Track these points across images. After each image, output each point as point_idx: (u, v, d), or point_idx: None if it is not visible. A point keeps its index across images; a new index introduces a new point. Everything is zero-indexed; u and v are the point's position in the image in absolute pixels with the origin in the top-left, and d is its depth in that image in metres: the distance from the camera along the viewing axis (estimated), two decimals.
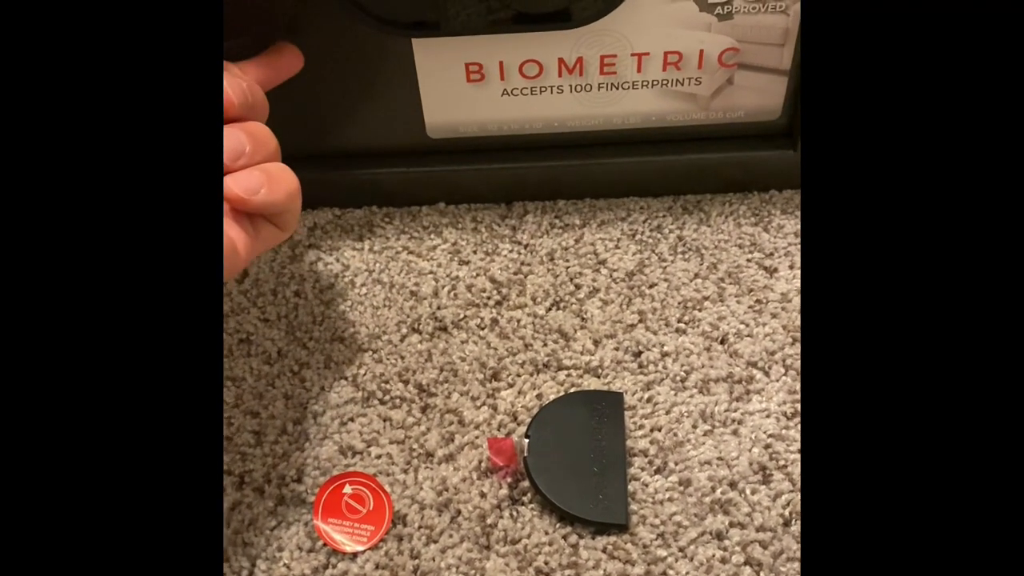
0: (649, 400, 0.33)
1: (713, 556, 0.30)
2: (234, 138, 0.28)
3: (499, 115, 0.38)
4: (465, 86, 0.37)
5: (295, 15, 0.34)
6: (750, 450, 0.32)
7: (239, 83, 0.29)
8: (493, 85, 0.37)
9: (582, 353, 0.35)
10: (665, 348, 0.35)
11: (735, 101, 0.37)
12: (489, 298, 0.37)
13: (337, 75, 0.36)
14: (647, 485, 0.31)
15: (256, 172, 0.28)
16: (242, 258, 0.28)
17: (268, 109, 0.31)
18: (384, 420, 0.34)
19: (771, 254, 0.38)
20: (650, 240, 0.39)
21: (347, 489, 0.31)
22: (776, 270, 0.37)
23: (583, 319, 0.36)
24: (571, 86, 0.37)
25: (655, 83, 0.37)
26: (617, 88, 0.37)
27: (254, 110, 0.30)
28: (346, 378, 0.35)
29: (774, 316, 0.35)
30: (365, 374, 0.35)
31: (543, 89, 0.37)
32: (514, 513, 0.31)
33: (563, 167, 0.40)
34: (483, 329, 0.36)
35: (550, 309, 0.37)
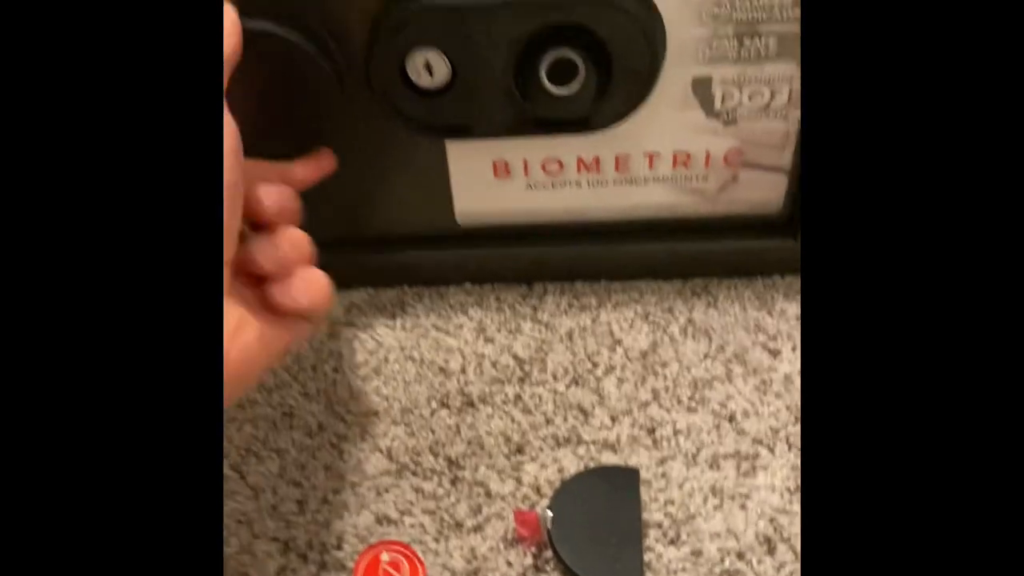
0: (663, 475, 0.36)
1: None
2: (273, 247, 0.31)
3: (522, 206, 0.41)
4: (492, 180, 0.40)
5: (339, 117, 0.37)
6: (756, 523, 0.35)
7: (274, 189, 0.32)
8: (518, 180, 0.40)
9: (600, 429, 0.38)
10: (677, 425, 0.38)
11: (739, 195, 0.41)
12: (513, 374, 0.40)
13: (377, 169, 0.40)
14: (661, 556, 0.34)
15: (297, 281, 0.31)
16: (283, 353, 0.31)
17: (301, 212, 0.33)
18: (416, 491, 0.36)
19: (775, 337, 0.41)
20: (662, 321, 0.42)
21: (384, 556, 0.34)
22: (779, 352, 0.40)
23: (600, 396, 0.39)
24: (588, 181, 0.40)
25: (665, 179, 0.40)
26: (631, 183, 0.40)
27: (289, 214, 0.33)
28: (381, 451, 0.38)
29: (778, 396, 0.38)
30: (398, 447, 0.38)
31: (563, 183, 0.41)
32: None
33: (580, 252, 0.43)
34: (507, 404, 0.39)
35: (569, 386, 0.40)
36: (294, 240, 0.32)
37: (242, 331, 0.28)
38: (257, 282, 0.31)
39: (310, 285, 0.31)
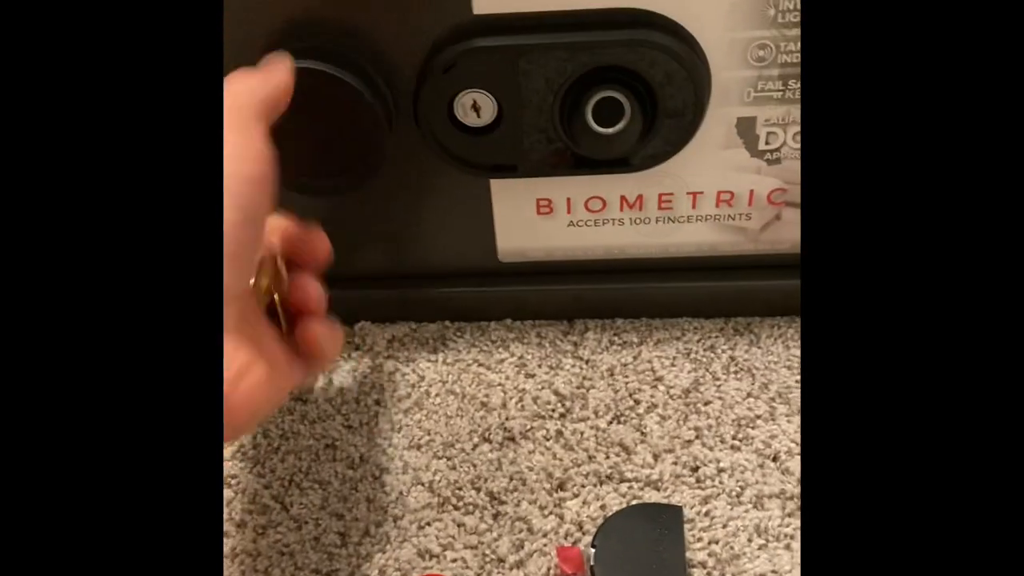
0: (707, 514, 0.36)
1: None
2: (302, 291, 0.32)
3: (565, 243, 0.42)
4: (535, 217, 0.41)
5: (387, 154, 0.38)
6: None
7: (321, 236, 0.34)
8: (560, 217, 0.41)
9: (643, 466, 0.38)
10: (721, 464, 0.37)
11: (782, 234, 0.41)
12: (554, 410, 0.40)
13: (422, 205, 0.41)
14: None
15: (321, 329, 0.32)
16: (286, 396, 0.32)
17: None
18: (458, 525, 0.36)
19: None
20: (704, 359, 0.41)
21: None
22: None
23: (643, 433, 0.39)
24: (631, 219, 0.41)
25: (708, 218, 0.41)
26: (673, 221, 0.41)
27: (321, 264, 0.34)
28: (423, 484, 0.38)
29: None
30: (440, 480, 0.38)
31: (605, 221, 0.41)
32: None
33: (622, 290, 0.43)
34: (549, 440, 0.39)
35: (611, 423, 0.39)
36: (318, 289, 0.33)
37: (249, 373, 0.28)
38: (273, 319, 0.32)
39: (333, 335, 0.33)
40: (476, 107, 0.36)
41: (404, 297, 0.44)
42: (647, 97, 0.36)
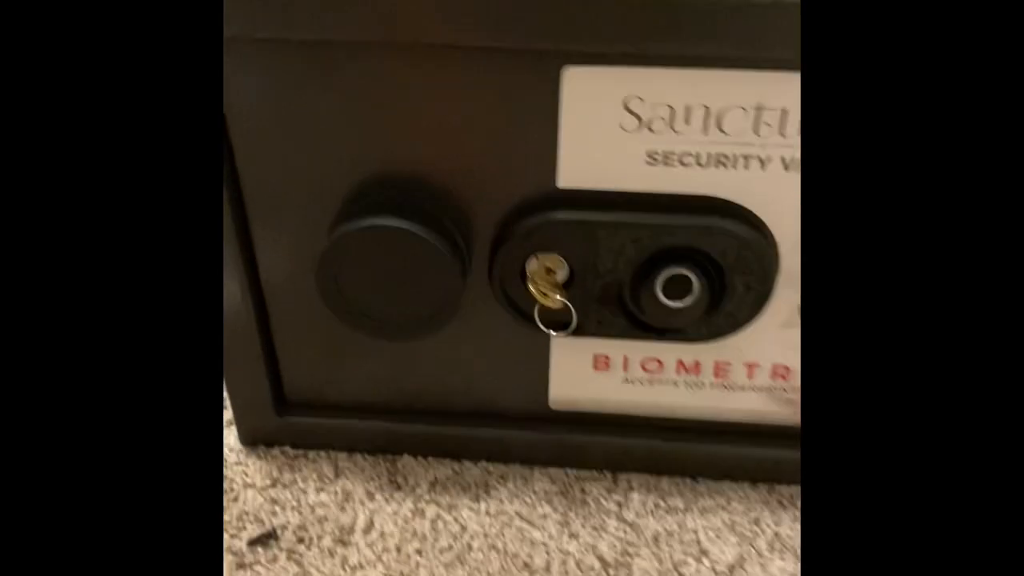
0: None
1: None
2: None
3: (617, 397, 0.42)
4: (591, 372, 0.41)
5: (459, 303, 0.38)
6: None
7: None
8: (616, 374, 0.41)
9: None
10: None
11: None
12: None
13: (482, 351, 0.41)
14: None
15: None
16: None
17: None
18: None
19: None
20: (748, 534, 0.41)
21: None
22: None
23: None
24: (685, 382, 0.41)
25: (763, 389, 0.41)
26: (727, 388, 0.41)
27: None
28: None
29: None
30: None
31: (660, 382, 0.41)
32: None
33: (668, 448, 0.43)
34: None
35: None
36: None
37: None
38: None
39: None
40: (550, 270, 0.37)
41: (447, 435, 0.44)
42: (716, 276, 0.36)
